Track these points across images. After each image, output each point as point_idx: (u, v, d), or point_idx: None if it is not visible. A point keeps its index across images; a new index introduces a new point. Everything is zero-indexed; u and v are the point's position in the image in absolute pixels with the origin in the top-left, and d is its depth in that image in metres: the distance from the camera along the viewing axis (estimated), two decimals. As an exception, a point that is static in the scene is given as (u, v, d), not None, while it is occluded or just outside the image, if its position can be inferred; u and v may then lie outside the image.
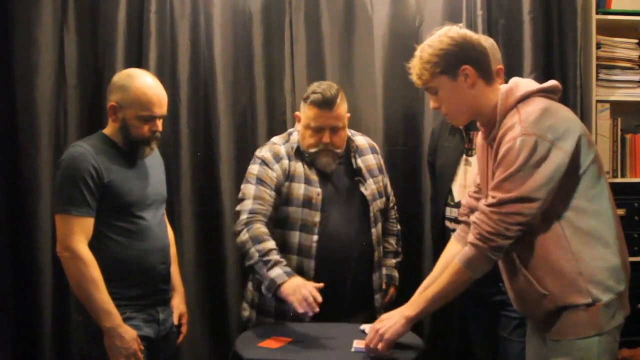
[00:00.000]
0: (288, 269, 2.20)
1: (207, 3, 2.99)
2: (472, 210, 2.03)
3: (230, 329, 2.99)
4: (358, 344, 1.99)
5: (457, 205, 2.44)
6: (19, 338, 2.85)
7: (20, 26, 2.82)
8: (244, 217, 2.31)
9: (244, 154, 3.01)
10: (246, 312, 2.52)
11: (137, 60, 2.88)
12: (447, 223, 2.50)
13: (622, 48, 3.18)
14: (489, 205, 1.75)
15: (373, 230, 2.47)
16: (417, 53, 1.86)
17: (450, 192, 2.48)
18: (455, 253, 2.01)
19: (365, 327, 2.18)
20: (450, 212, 2.48)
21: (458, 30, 1.85)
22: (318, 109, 2.35)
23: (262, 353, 1.96)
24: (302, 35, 3.04)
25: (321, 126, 2.37)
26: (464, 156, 2.46)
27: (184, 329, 2.40)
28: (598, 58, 3.13)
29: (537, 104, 1.74)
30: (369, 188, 2.47)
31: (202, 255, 3.01)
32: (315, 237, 2.37)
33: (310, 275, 2.35)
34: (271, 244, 2.25)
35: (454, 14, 3.07)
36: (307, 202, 2.38)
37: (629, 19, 3.17)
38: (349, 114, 2.47)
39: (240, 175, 2.99)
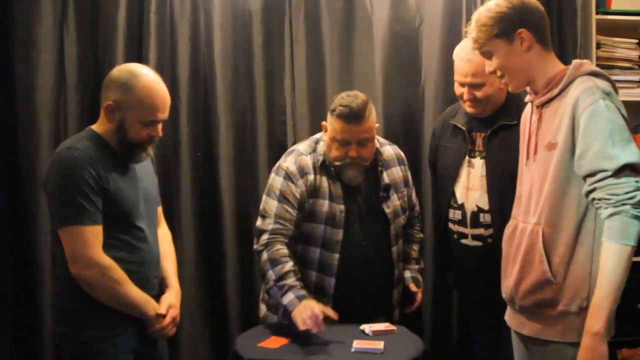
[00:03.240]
0: (301, 293, 2.16)
1: (207, 3, 2.98)
2: None
3: (230, 329, 2.99)
4: (358, 344, 1.99)
5: (460, 207, 2.43)
6: (19, 338, 2.85)
7: (20, 26, 2.82)
8: (264, 237, 2.29)
9: (244, 154, 3.02)
10: (262, 312, 2.48)
11: (137, 60, 2.87)
12: (451, 225, 2.49)
13: (622, 48, 3.18)
14: (605, 178, 1.65)
15: (394, 248, 2.42)
16: (474, 17, 1.88)
17: (453, 194, 2.47)
18: None
19: (365, 327, 2.18)
20: (453, 214, 2.47)
21: None
22: (345, 122, 2.26)
23: (262, 353, 1.96)
24: (302, 35, 3.04)
25: (348, 140, 2.29)
26: (467, 157, 2.45)
27: (167, 318, 2.10)
28: (598, 58, 3.13)
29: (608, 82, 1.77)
30: (391, 205, 2.41)
31: (202, 255, 3.01)
32: (337, 256, 2.32)
33: (330, 292, 2.33)
34: (289, 265, 2.22)
35: (454, 14, 3.07)
36: (330, 220, 2.33)
37: (629, 19, 3.17)
38: (377, 124, 2.40)
39: (240, 175, 3.01)
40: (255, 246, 2.35)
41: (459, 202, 2.44)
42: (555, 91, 1.79)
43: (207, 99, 3.01)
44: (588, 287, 1.71)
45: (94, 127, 2.07)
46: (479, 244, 2.39)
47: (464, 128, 2.46)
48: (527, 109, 1.99)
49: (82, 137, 2.03)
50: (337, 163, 2.34)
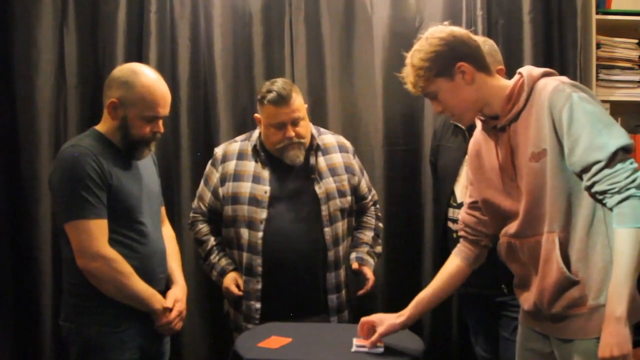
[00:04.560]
0: (220, 268, 2.47)
1: (207, 3, 2.99)
2: (469, 227, 1.99)
3: (230, 329, 2.99)
4: (358, 342, 1.99)
5: (460, 206, 2.43)
6: (19, 338, 2.85)
7: (20, 26, 2.82)
8: (190, 215, 2.61)
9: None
10: (225, 308, 2.58)
11: (137, 60, 2.86)
12: (450, 224, 2.49)
13: (622, 48, 3.18)
14: (600, 170, 1.64)
15: (327, 229, 2.44)
16: (408, 60, 1.81)
17: (452, 193, 2.48)
18: (455, 267, 1.99)
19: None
20: (452, 213, 2.47)
21: (444, 29, 1.80)
22: (275, 106, 2.37)
23: (262, 353, 1.96)
24: (302, 35, 3.04)
25: (282, 122, 2.39)
26: (467, 157, 2.45)
27: (173, 312, 2.14)
28: (598, 58, 3.13)
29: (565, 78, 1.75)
30: (323, 187, 2.46)
31: (202, 255, 3.01)
32: (261, 234, 2.39)
33: (258, 272, 2.40)
34: (210, 242, 2.52)
35: (454, 14, 3.07)
36: (253, 200, 2.41)
37: (629, 19, 3.17)
38: (306, 105, 2.48)
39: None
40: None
41: (459, 201, 2.44)
42: (520, 104, 1.76)
43: (207, 99, 3.02)
44: (611, 276, 1.66)
45: (97, 127, 2.12)
46: (479, 243, 2.39)
47: (464, 128, 2.46)
48: (477, 139, 1.94)
49: (86, 136, 2.09)
50: (278, 147, 2.43)
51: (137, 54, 2.90)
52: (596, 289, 1.70)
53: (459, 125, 2.49)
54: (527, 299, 1.87)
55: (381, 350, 1.96)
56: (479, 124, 1.94)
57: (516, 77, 1.81)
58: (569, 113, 1.66)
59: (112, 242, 2.00)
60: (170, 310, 2.11)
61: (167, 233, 2.33)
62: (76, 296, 2.05)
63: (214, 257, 2.50)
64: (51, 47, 2.85)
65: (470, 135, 2.44)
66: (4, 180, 2.83)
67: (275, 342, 2.03)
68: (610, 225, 1.67)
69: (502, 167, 1.83)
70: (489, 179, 1.90)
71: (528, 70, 1.80)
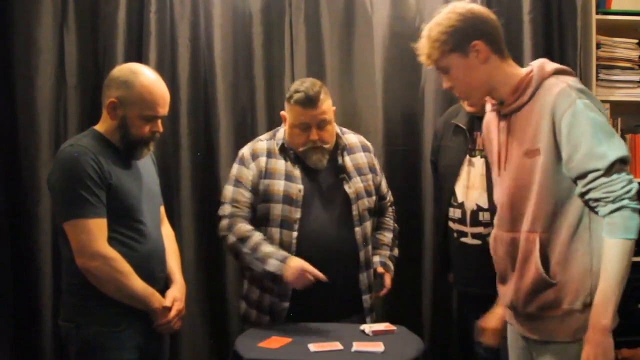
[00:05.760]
0: (282, 254, 2.27)
1: (207, 3, 2.99)
2: None
3: (230, 329, 2.99)
4: (358, 345, 1.99)
5: (460, 205, 2.44)
6: (19, 338, 2.85)
7: (20, 26, 2.82)
8: (225, 222, 2.40)
9: (244, 154, 3.02)
10: (242, 309, 2.53)
11: (137, 60, 2.86)
12: (450, 224, 2.50)
13: (622, 48, 3.18)
14: (597, 178, 1.64)
15: (357, 229, 2.43)
16: (425, 32, 1.82)
17: (453, 192, 2.48)
18: None
19: (365, 327, 2.18)
20: (453, 212, 2.48)
21: (465, 5, 1.81)
22: (302, 107, 2.35)
23: (262, 353, 1.96)
24: (302, 35, 3.04)
25: (307, 124, 2.36)
26: (468, 157, 2.45)
27: (172, 311, 2.13)
28: (598, 58, 3.13)
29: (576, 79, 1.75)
30: (353, 186, 2.45)
31: (202, 255, 3.01)
32: (295, 234, 2.36)
33: None
34: (257, 236, 2.33)
35: (454, 14, 3.07)
36: (288, 199, 2.37)
37: (629, 19, 3.17)
38: (334, 107, 2.46)
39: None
40: (220, 233, 2.42)
41: (459, 200, 2.45)
42: (525, 98, 1.76)
43: (207, 99, 3.01)
44: (590, 283, 1.69)
45: (96, 127, 2.12)
46: (478, 242, 2.39)
47: (465, 127, 2.47)
48: (488, 119, 1.95)
49: (85, 136, 2.10)
50: (301, 149, 2.39)
51: (137, 54, 2.90)
52: (573, 294, 1.71)
53: (460, 125, 2.49)
54: (505, 295, 1.90)
55: (381, 350, 1.96)
56: (487, 105, 1.95)
57: (527, 69, 1.81)
58: (570, 118, 1.66)
59: (112, 241, 2.00)
60: (169, 309, 2.11)
61: (167, 232, 2.33)
62: (76, 296, 2.05)
63: (266, 247, 2.31)
64: (51, 47, 2.85)
65: (471, 135, 2.46)
66: (4, 180, 2.83)
67: (275, 342, 2.03)
68: (594, 234, 1.68)
69: (499, 153, 1.85)
70: (492, 161, 1.92)
71: (540, 64, 1.79)
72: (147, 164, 2.22)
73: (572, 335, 1.72)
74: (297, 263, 2.24)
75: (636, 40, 3.21)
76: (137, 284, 2.02)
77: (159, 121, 2.11)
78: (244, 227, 2.36)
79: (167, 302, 2.11)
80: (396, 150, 3.13)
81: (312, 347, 1.98)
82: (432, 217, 3.04)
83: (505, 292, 1.89)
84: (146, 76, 2.07)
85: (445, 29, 1.77)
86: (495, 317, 2.07)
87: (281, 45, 3.04)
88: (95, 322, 2.02)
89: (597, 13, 3.11)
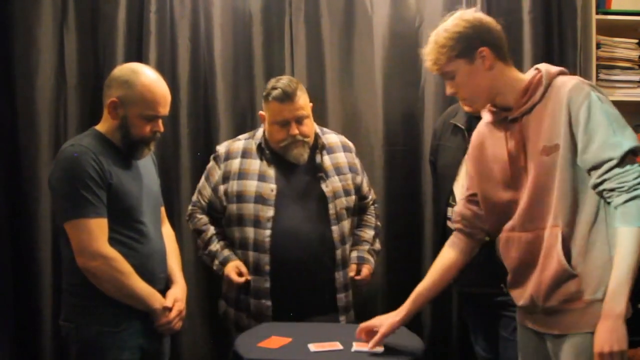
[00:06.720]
0: (222, 256, 2.43)
1: (207, 3, 2.99)
2: (466, 220, 2.00)
3: (230, 329, 2.99)
4: (358, 345, 1.99)
5: (459, 205, 2.44)
6: (19, 338, 2.85)
7: (20, 26, 2.82)
8: (189, 208, 2.59)
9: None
10: (222, 308, 2.55)
11: (137, 60, 2.87)
12: (449, 223, 2.49)
13: (622, 48, 3.18)
14: (612, 168, 1.67)
15: (334, 227, 2.44)
16: (432, 38, 1.84)
17: (452, 192, 2.48)
18: (449, 259, 1.99)
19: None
20: (451, 212, 2.47)
21: (473, 13, 1.85)
22: (280, 103, 2.38)
23: (262, 353, 1.96)
24: (302, 35, 3.04)
25: (286, 119, 2.39)
26: (466, 157, 2.45)
27: (173, 312, 2.13)
28: (598, 58, 3.13)
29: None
30: (330, 185, 2.46)
31: (202, 255, 3.01)
32: (268, 232, 2.37)
33: (266, 270, 2.38)
34: (210, 232, 2.49)
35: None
36: (260, 198, 2.40)
37: (629, 19, 3.17)
38: (311, 103, 2.48)
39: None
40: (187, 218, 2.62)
41: (458, 200, 2.44)
42: (537, 97, 1.79)
43: (207, 99, 3.02)
44: (610, 273, 1.68)
45: (97, 127, 2.13)
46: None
47: (463, 127, 2.47)
48: (482, 131, 1.95)
49: (86, 136, 2.10)
50: (281, 145, 2.42)
51: (137, 54, 2.91)
52: (594, 284, 1.72)
53: (459, 124, 2.49)
54: (522, 295, 1.88)
55: (381, 350, 1.96)
56: (485, 116, 1.95)
57: (533, 71, 1.84)
58: (587, 111, 1.70)
59: (112, 241, 2.00)
60: (169, 309, 2.11)
61: (167, 233, 2.33)
62: (76, 296, 2.05)
63: (214, 246, 2.46)
64: (51, 47, 2.85)
65: (470, 135, 2.45)
66: (4, 180, 2.83)
67: (275, 342, 2.03)
68: (610, 226, 1.70)
69: (512, 158, 1.85)
70: (490, 170, 1.92)
71: (546, 66, 1.83)
72: (147, 165, 2.23)
73: (594, 326, 1.70)
74: (227, 269, 2.38)
75: (636, 40, 3.21)
76: (138, 284, 2.03)
77: (160, 121, 2.11)
78: (202, 220, 2.52)
79: (167, 302, 2.12)
80: (396, 150, 3.12)
81: (312, 347, 1.98)
82: (432, 217, 3.04)
83: (522, 292, 1.88)
84: (147, 76, 2.07)
85: (453, 35, 1.80)
86: (387, 319, 1.98)
87: (281, 45, 3.04)
88: (96, 322, 2.02)
89: (597, 13, 3.11)
